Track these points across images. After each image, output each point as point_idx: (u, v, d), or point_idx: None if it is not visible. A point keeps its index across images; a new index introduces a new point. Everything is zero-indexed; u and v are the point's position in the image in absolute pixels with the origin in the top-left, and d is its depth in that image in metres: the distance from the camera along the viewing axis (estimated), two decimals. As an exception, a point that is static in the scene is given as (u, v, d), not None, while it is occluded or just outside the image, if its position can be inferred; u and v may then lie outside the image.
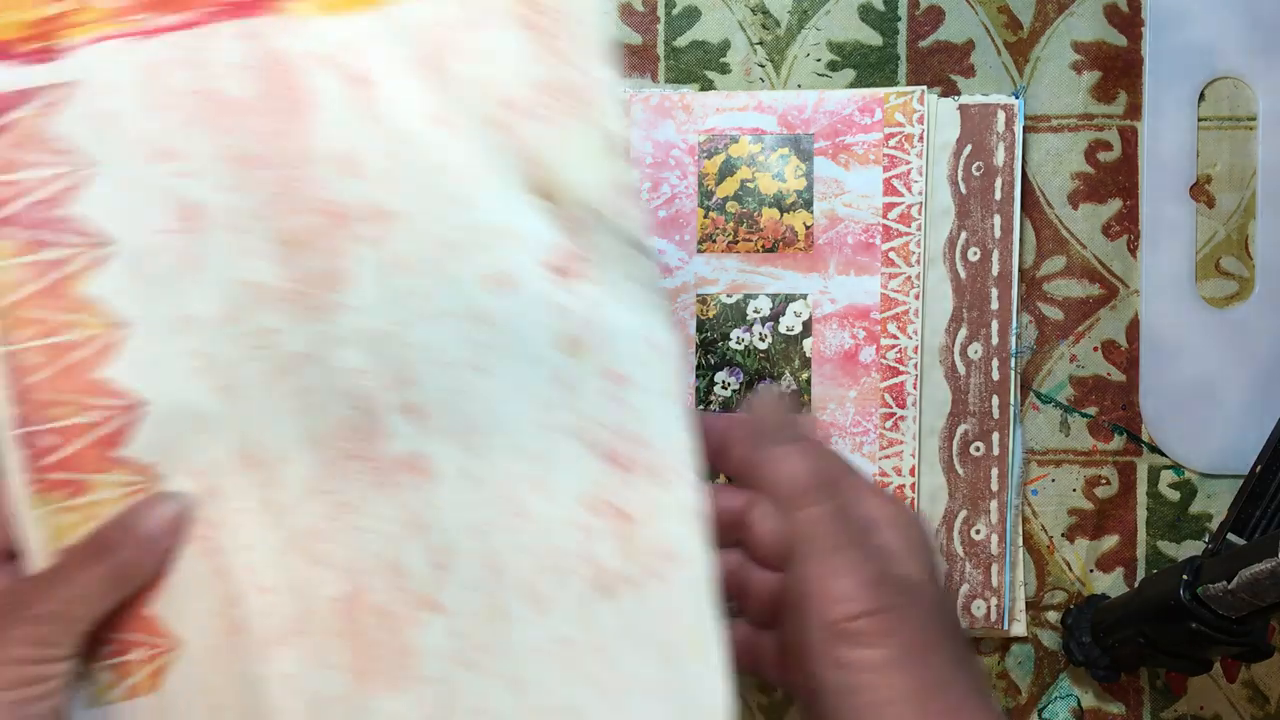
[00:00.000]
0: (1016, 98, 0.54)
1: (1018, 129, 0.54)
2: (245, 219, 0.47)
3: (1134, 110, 0.56)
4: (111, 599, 0.44)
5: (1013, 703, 0.55)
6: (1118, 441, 0.56)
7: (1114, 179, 0.56)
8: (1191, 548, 0.55)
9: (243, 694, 0.48)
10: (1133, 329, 0.55)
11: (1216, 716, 0.56)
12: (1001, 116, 0.54)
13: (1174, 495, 0.56)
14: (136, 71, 0.47)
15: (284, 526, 0.48)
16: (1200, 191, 0.56)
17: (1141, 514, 0.56)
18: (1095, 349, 0.56)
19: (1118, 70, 0.55)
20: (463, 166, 0.48)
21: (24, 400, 0.46)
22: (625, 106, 0.50)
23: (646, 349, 0.48)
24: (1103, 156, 0.56)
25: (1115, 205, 0.56)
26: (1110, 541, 0.56)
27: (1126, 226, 0.56)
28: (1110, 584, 0.55)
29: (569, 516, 0.47)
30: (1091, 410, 0.56)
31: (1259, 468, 0.52)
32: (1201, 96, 0.55)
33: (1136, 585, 0.55)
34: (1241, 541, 0.50)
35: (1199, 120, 0.55)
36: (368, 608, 0.48)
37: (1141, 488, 0.56)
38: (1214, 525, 0.55)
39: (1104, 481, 0.56)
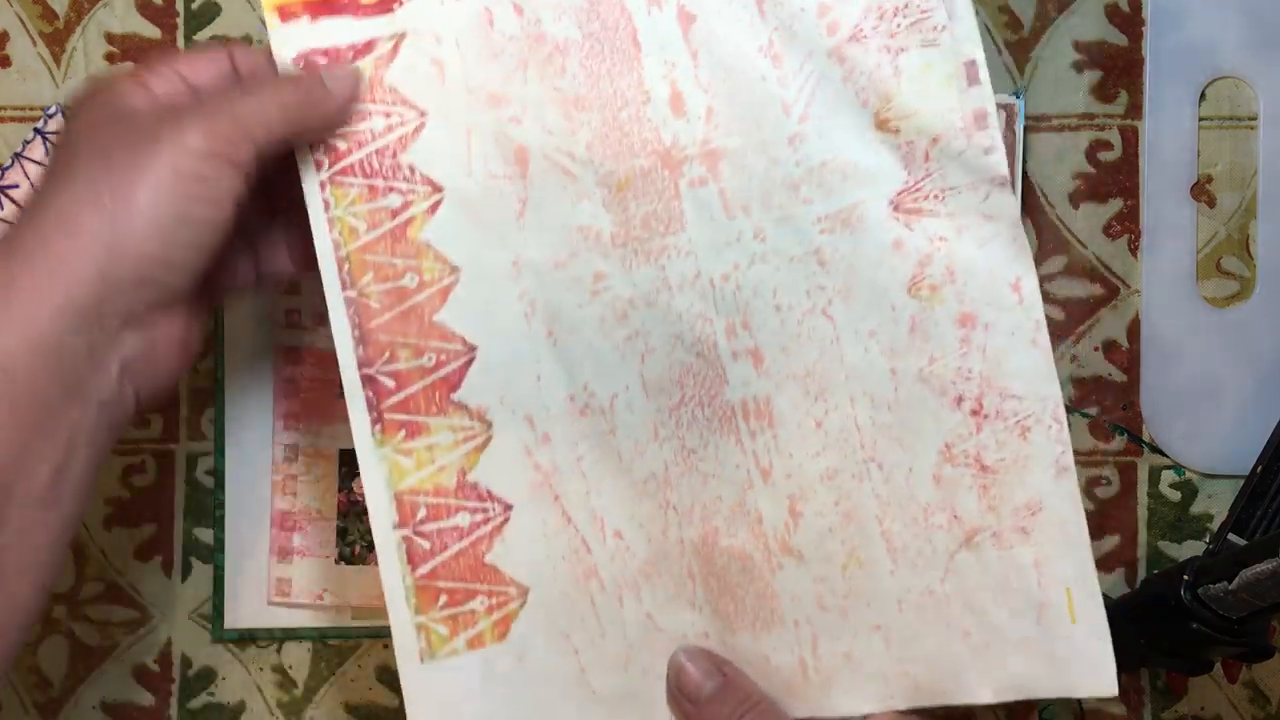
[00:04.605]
0: (1017, 97, 0.54)
1: (1018, 128, 0.54)
2: (575, 164, 0.47)
3: (1135, 110, 0.55)
4: (283, 125, 0.44)
5: (1013, 703, 0.55)
6: (1118, 441, 0.56)
7: (1114, 179, 0.56)
8: (1192, 548, 0.55)
9: (598, 637, 0.48)
10: (1133, 329, 0.55)
11: (1217, 717, 0.56)
12: (1002, 116, 0.53)
13: (1175, 495, 0.56)
14: (465, 20, 0.47)
15: (629, 472, 0.48)
16: (1201, 191, 0.56)
17: (1142, 514, 0.56)
18: (1096, 349, 0.56)
19: (1118, 70, 0.55)
20: (799, 103, 0.47)
21: (367, 342, 0.47)
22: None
23: (1004, 291, 0.46)
24: (1103, 156, 0.56)
25: (1116, 205, 0.55)
26: (1111, 541, 0.56)
27: (1127, 226, 0.56)
28: (1111, 584, 0.55)
29: (926, 466, 0.46)
30: (1092, 410, 0.55)
31: (1260, 468, 0.52)
32: (1202, 96, 0.55)
33: (1137, 585, 0.55)
34: (1242, 542, 0.50)
35: (1200, 120, 0.55)
36: (723, 550, 0.47)
37: (1142, 488, 0.56)
38: (1215, 525, 0.55)
39: (1105, 481, 0.56)
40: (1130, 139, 0.56)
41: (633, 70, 0.47)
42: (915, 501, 0.46)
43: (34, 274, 0.39)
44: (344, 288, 0.47)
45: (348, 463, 0.56)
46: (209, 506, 0.56)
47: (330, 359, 0.56)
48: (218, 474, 0.56)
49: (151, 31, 0.56)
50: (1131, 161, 0.56)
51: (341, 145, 0.47)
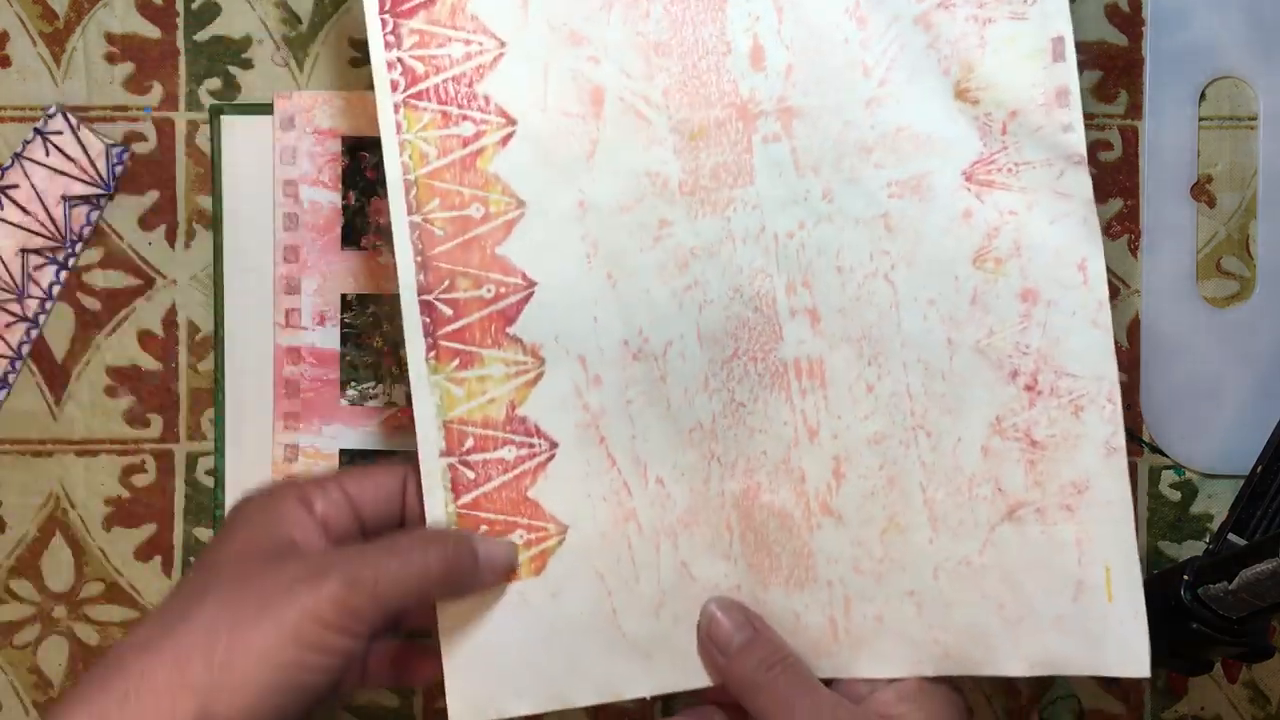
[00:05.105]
0: (1017, 97, 0.54)
1: (1018, 128, 0.54)
2: (650, 108, 0.47)
3: (1135, 110, 0.56)
4: (421, 590, 0.44)
5: (1013, 703, 0.55)
6: (1118, 441, 0.56)
7: (1114, 179, 0.56)
8: (1192, 548, 0.55)
9: (632, 580, 0.48)
10: (1134, 329, 0.55)
11: (1217, 717, 0.56)
12: (1002, 116, 0.53)
13: (1175, 495, 0.56)
14: None
15: (676, 420, 0.48)
16: (1201, 191, 0.56)
17: (1142, 514, 0.56)
18: (1096, 349, 0.55)
19: (1118, 70, 0.55)
20: (880, 67, 0.47)
21: (427, 268, 0.47)
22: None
23: (1070, 270, 0.46)
24: (1103, 156, 0.56)
25: (1116, 205, 0.56)
26: (1111, 542, 0.55)
27: (1127, 226, 0.56)
28: (1111, 584, 0.55)
29: (975, 437, 0.47)
30: (1092, 410, 0.55)
31: (1260, 468, 0.52)
32: (1202, 96, 0.55)
33: (1137, 585, 0.55)
34: (1242, 542, 0.50)
35: (1200, 120, 0.55)
36: (763, 506, 0.48)
37: (1142, 488, 0.56)
38: (1215, 525, 0.55)
39: (1105, 481, 0.55)
40: (1130, 139, 0.56)
41: (716, 20, 0.47)
42: (961, 472, 0.47)
43: (130, 698, 0.39)
44: (409, 211, 0.47)
45: (348, 463, 0.56)
46: (209, 506, 0.56)
47: (331, 358, 0.56)
48: (218, 474, 0.56)
49: (151, 31, 0.56)
50: (1131, 161, 0.56)
51: (419, 69, 0.47)
